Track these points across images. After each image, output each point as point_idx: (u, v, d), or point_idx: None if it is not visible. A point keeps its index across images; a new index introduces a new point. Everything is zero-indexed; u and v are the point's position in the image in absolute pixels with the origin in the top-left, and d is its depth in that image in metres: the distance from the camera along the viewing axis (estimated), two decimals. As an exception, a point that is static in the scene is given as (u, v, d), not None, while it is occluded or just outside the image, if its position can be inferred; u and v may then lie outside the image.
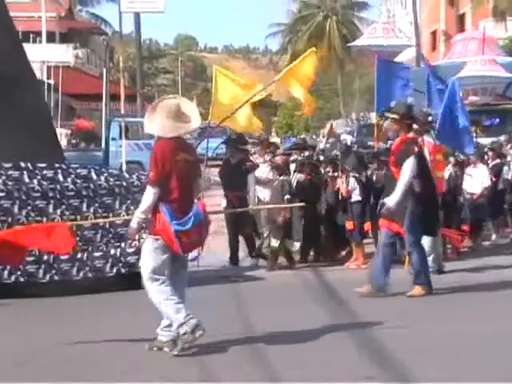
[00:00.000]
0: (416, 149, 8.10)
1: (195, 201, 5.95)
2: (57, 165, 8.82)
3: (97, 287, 8.63)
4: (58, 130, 31.60)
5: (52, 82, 35.18)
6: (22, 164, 8.52)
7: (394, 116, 8.21)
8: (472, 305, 7.86)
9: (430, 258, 9.47)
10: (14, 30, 10.70)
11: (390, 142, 13.87)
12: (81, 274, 8.60)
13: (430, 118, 10.39)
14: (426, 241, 9.44)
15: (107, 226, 8.60)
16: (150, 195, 5.77)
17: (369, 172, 11.15)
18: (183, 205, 5.77)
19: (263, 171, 10.74)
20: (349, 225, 10.55)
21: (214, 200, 11.24)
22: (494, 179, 11.87)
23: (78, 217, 8.43)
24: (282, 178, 10.71)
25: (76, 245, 7.18)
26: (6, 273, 8.31)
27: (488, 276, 9.54)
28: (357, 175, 10.55)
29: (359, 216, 10.48)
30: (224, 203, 10.80)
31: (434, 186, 8.66)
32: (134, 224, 5.93)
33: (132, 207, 8.30)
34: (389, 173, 8.62)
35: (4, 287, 8.29)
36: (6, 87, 9.27)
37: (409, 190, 7.98)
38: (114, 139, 25.63)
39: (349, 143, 16.30)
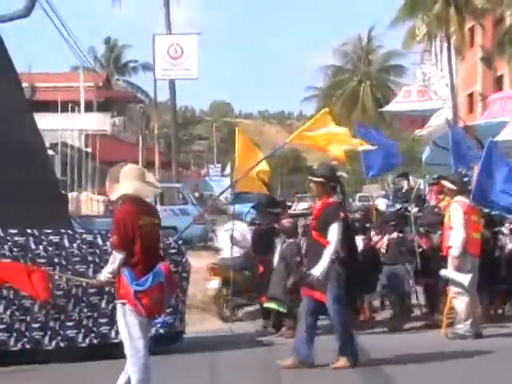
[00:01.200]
0: (341, 214, 7.81)
1: (159, 262, 5.95)
2: (62, 230, 8.78)
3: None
4: (95, 197, 31.92)
5: (90, 150, 35.58)
6: (28, 230, 8.50)
7: (319, 179, 7.89)
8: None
9: (467, 323, 9.24)
10: (22, 97, 10.92)
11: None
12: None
13: (465, 179, 10.13)
14: (463, 303, 9.13)
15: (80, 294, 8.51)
16: (115, 260, 5.85)
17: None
18: (146, 267, 5.80)
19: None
20: None
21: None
22: None
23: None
24: (290, 240, 10.38)
25: (50, 297, 7.19)
26: (12, 340, 8.28)
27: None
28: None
29: None
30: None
31: (357, 251, 8.55)
32: (101, 277, 6.05)
33: None
34: (310, 238, 8.27)
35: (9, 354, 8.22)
36: (12, 154, 9.40)
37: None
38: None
39: (384, 207, 15.98)
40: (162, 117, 43.99)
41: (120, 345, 6.00)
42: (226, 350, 8.97)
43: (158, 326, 8.56)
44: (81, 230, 9.29)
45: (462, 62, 41.44)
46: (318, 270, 7.62)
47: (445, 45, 39.08)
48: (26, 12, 14.92)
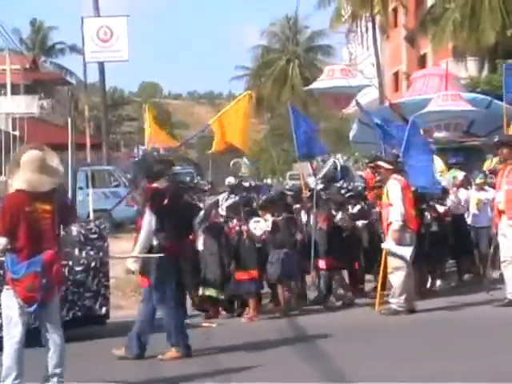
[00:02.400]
0: (157, 202, 7.41)
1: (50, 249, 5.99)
2: None
3: None
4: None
5: (17, 133, 35.00)
6: None
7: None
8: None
9: (402, 298, 9.46)
10: None
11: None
12: None
13: (399, 159, 10.42)
14: (399, 278, 9.43)
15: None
16: None
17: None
18: (31, 253, 5.93)
19: None
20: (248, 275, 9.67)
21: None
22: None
23: None
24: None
25: None
26: None
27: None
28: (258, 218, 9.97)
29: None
30: None
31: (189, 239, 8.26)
32: None
33: None
34: None
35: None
36: None
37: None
38: (80, 188, 25.51)
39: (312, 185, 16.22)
40: (92, 99, 43.51)
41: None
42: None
43: (76, 309, 8.74)
44: None
45: (386, 41, 42.34)
46: (129, 261, 7.62)
47: (370, 25, 39.85)
48: None
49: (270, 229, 9.90)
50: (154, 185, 7.56)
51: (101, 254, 8.96)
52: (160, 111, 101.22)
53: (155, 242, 7.40)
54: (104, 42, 28.68)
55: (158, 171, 7.64)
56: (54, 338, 6.05)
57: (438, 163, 13.71)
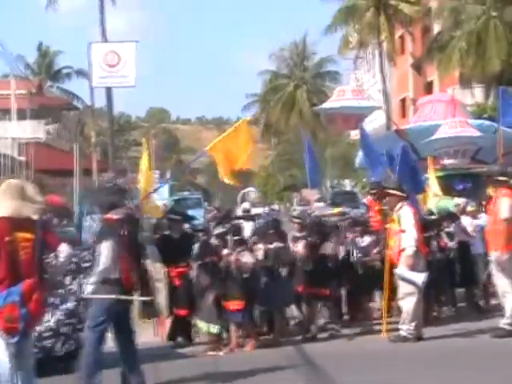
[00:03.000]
0: (117, 230, 7.19)
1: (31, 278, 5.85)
2: None
3: None
4: (30, 206, 31.44)
5: (23, 158, 35.10)
6: None
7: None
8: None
9: (412, 324, 9.36)
10: None
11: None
12: None
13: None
14: (411, 304, 9.36)
15: None
16: None
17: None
18: (12, 284, 5.79)
19: None
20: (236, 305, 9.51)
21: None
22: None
23: None
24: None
25: None
26: None
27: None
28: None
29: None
30: None
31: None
32: None
33: None
34: None
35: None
36: None
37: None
38: (87, 214, 25.43)
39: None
40: (99, 124, 43.68)
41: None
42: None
43: (71, 342, 8.52)
44: None
45: (393, 68, 42.48)
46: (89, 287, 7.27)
47: (377, 52, 40.02)
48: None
49: (260, 258, 9.82)
50: (109, 215, 7.31)
51: None
52: (168, 136, 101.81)
53: (112, 276, 7.11)
54: (111, 67, 28.74)
55: (112, 202, 7.40)
56: None
57: (435, 188, 13.62)
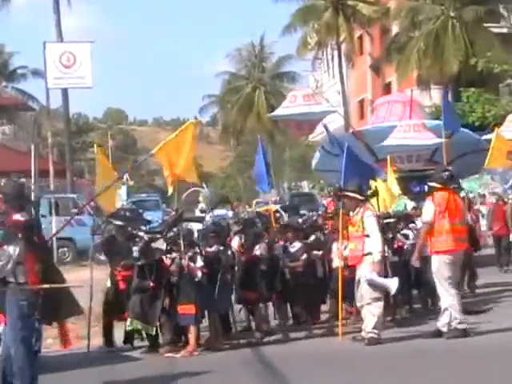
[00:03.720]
0: (21, 233, 6.97)
1: None
2: None
3: None
4: (-15, 209, 30.90)
5: (-22, 159, 34.41)
6: None
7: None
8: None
9: (379, 327, 9.36)
10: None
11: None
12: None
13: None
14: (379, 308, 9.32)
15: None
16: None
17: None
18: None
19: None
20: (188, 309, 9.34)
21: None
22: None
23: None
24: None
25: None
26: None
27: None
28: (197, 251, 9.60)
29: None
30: None
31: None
32: None
33: None
34: None
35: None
36: None
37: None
38: (43, 216, 25.05)
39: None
40: (55, 125, 43.08)
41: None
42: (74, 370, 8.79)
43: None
44: None
45: (352, 69, 42.68)
46: None
47: (335, 52, 40.17)
48: None
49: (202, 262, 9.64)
50: (16, 218, 7.09)
51: None
52: (125, 137, 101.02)
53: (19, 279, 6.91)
54: (67, 67, 28.33)
55: (19, 204, 7.23)
56: None
57: (395, 189, 13.63)
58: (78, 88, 30.83)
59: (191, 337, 9.43)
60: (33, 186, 29.67)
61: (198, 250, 9.68)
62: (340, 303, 9.91)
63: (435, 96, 31.35)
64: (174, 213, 13.50)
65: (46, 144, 41.61)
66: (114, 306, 9.94)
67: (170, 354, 9.35)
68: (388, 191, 12.95)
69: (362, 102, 43.79)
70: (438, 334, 9.43)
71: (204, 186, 19.98)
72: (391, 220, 11.54)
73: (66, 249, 23.77)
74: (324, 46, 40.43)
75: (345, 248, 9.96)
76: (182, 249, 9.55)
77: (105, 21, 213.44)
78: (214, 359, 9.12)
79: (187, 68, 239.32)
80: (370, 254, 9.34)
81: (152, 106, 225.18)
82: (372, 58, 41.22)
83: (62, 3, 32.93)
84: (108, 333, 10.08)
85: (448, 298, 9.40)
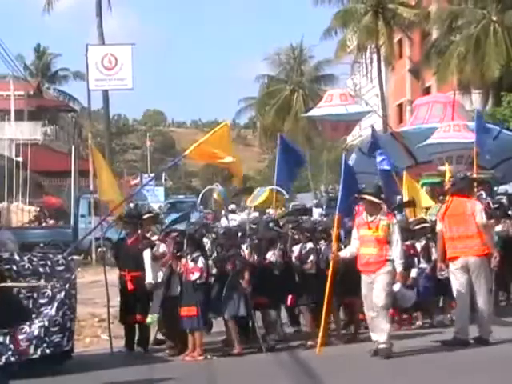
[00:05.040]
0: None
1: None
2: None
3: None
4: (27, 208, 31.38)
5: (21, 159, 35.03)
6: None
7: None
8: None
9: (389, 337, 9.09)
10: None
11: None
12: None
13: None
14: (388, 319, 9.03)
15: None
16: None
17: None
18: None
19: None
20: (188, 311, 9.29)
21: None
22: None
23: None
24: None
25: None
26: None
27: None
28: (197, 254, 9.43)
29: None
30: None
31: None
32: None
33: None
34: None
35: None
36: None
37: None
38: (83, 216, 25.39)
39: (317, 216, 15.83)
40: (95, 126, 43.61)
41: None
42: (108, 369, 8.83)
43: (44, 345, 8.39)
44: None
45: (391, 73, 42.47)
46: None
47: (375, 56, 40.00)
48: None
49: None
50: None
51: (67, 286, 8.69)
52: (164, 139, 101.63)
53: None
54: (108, 69, 28.66)
55: None
56: None
57: (426, 200, 13.23)
58: (119, 90, 31.18)
59: (194, 341, 9.28)
60: (72, 186, 30.15)
61: (203, 252, 9.49)
62: (325, 312, 9.26)
63: (476, 100, 31.06)
64: (212, 214, 13.51)
65: (86, 145, 42.15)
66: (126, 308, 9.92)
67: (188, 358, 9.27)
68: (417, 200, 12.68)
69: (400, 106, 43.56)
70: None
71: (217, 184, 20.03)
72: (426, 225, 11.32)
73: (104, 249, 24.08)
74: (363, 50, 40.29)
75: (339, 250, 9.44)
76: (185, 248, 9.46)
77: (144, 23, 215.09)
78: (225, 364, 9.02)
79: (225, 70, 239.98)
80: (390, 260, 8.90)
81: (190, 107, 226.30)
82: (411, 62, 40.98)
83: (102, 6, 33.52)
84: (128, 335, 10.03)
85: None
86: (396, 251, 8.96)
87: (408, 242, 10.70)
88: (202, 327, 9.36)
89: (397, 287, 8.99)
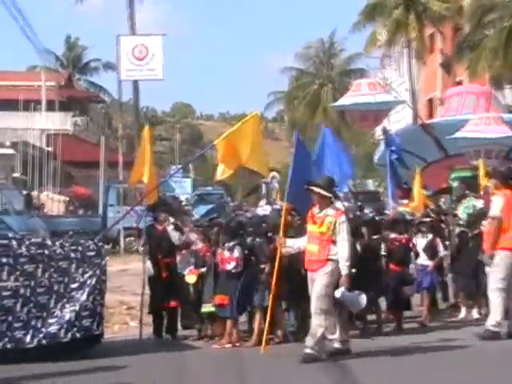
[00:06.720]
0: None
1: None
2: None
3: None
4: (56, 197, 31.69)
5: (51, 149, 35.37)
6: None
7: None
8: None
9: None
10: None
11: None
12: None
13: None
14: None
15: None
16: None
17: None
18: None
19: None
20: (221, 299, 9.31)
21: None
22: None
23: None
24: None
25: None
26: None
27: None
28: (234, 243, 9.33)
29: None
30: None
31: None
32: None
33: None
34: None
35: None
36: None
37: None
38: (111, 205, 25.62)
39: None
40: (125, 117, 43.88)
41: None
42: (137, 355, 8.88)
43: (75, 329, 8.53)
44: None
45: (422, 67, 42.10)
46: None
47: (405, 50, 39.67)
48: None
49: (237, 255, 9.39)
50: None
51: (98, 271, 8.80)
52: (192, 132, 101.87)
53: None
54: (139, 60, 28.82)
55: None
56: None
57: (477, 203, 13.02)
58: (149, 80, 31.34)
59: (227, 328, 9.36)
60: (101, 176, 30.40)
61: (239, 242, 9.42)
62: (270, 313, 8.96)
63: (508, 95, 30.72)
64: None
65: (115, 136, 42.42)
66: (158, 295, 10.00)
67: (216, 346, 9.36)
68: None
69: (430, 101, 43.17)
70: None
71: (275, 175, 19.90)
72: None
73: (132, 238, 24.28)
74: (393, 44, 39.97)
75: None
76: (220, 238, 9.54)
77: (174, 15, 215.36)
78: (251, 353, 8.92)
79: (254, 63, 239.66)
80: (333, 260, 8.17)
81: (218, 100, 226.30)
82: (443, 56, 40.60)
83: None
84: (157, 322, 10.16)
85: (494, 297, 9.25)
86: (342, 252, 8.15)
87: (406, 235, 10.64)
88: (234, 316, 9.41)
89: (338, 293, 8.12)
